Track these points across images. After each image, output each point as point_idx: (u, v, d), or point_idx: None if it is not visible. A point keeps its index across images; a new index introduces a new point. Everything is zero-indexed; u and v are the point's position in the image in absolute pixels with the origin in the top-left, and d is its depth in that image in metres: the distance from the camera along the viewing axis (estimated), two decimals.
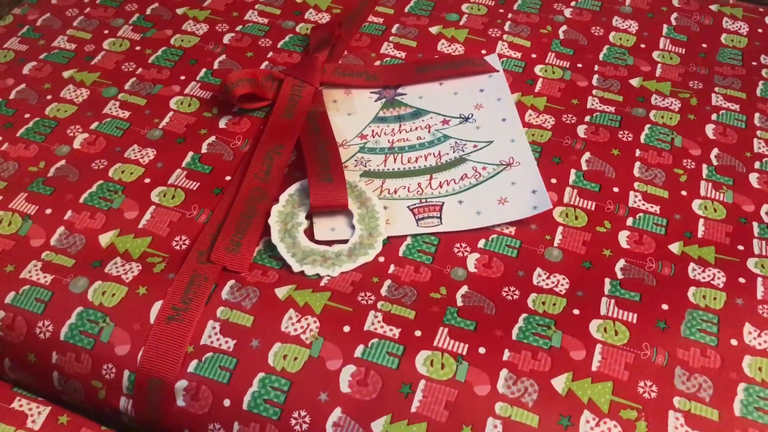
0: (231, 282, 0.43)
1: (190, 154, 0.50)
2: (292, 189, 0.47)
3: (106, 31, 0.59)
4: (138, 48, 0.57)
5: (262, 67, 0.56)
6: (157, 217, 0.46)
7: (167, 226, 0.46)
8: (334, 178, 0.46)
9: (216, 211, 0.46)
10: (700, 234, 0.46)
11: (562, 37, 0.59)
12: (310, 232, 0.45)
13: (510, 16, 0.61)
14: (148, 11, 0.60)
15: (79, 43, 0.58)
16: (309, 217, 0.46)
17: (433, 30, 0.59)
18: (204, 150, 0.50)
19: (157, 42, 0.58)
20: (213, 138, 0.51)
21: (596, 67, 0.57)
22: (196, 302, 0.42)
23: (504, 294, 0.43)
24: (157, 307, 0.41)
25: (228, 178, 0.48)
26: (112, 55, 0.57)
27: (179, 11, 0.60)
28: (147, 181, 0.48)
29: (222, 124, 0.52)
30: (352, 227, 0.45)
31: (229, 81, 0.51)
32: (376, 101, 0.54)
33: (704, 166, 0.50)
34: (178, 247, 0.45)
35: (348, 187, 0.47)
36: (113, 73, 0.55)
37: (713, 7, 0.63)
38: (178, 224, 0.46)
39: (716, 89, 0.55)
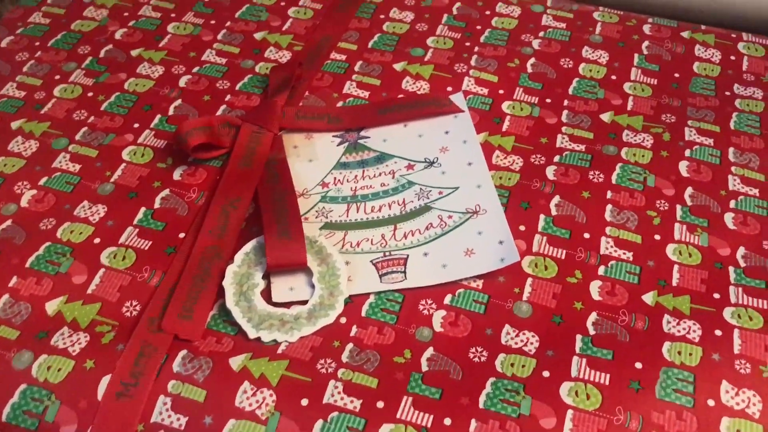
0: (183, 352, 0.40)
1: (143, 210, 0.47)
2: (248, 247, 0.45)
3: (57, 77, 0.56)
4: (90, 94, 0.55)
5: (220, 111, 0.54)
6: (106, 281, 0.44)
7: (117, 291, 0.43)
8: (292, 234, 0.44)
9: (168, 273, 0.44)
10: (674, 282, 0.44)
11: (530, 70, 0.57)
12: (267, 293, 0.43)
13: (476, 49, 0.59)
14: (102, 53, 0.58)
15: (29, 91, 0.55)
16: (266, 276, 0.44)
17: (398, 67, 0.57)
18: (157, 205, 0.48)
19: (110, 87, 0.55)
20: (167, 191, 0.48)
21: (566, 102, 0.55)
22: (146, 376, 0.39)
23: (471, 356, 0.41)
24: (105, 382, 0.39)
25: (182, 235, 0.46)
26: (64, 102, 0.54)
27: (134, 53, 0.58)
28: (97, 241, 0.46)
29: (176, 175, 0.49)
30: (312, 286, 0.43)
31: (183, 131, 0.49)
32: (338, 146, 0.52)
33: (678, 207, 0.48)
34: (128, 314, 0.42)
35: (307, 242, 0.45)
36: (64, 123, 0.53)
37: (685, 34, 0.61)
38: (128, 288, 0.43)
39: (689, 122, 0.54)
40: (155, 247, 0.45)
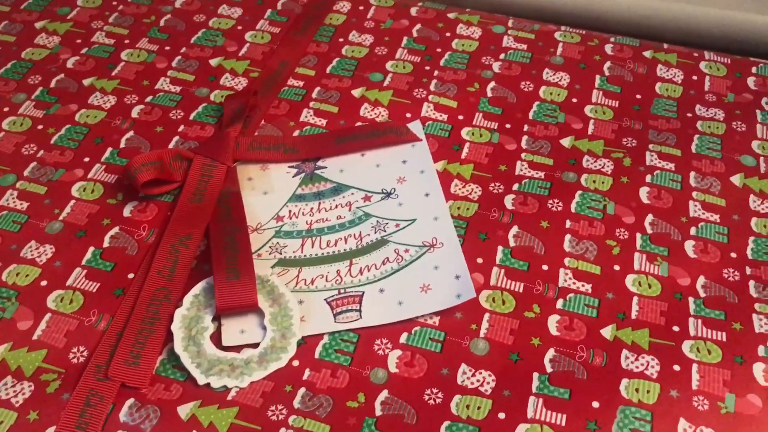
0: (130, 401, 0.39)
1: (91, 249, 0.46)
2: (198, 288, 0.43)
3: (6, 108, 0.55)
4: (40, 127, 0.53)
5: (173, 143, 0.52)
6: (53, 326, 0.43)
7: (64, 336, 0.42)
8: (242, 274, 0.43)
9: (116, 317, 0.43)
10: (633, 314, 0.44)
11: (490, 94, 0.56)
12: (218, 336, 0.42)
13: (436, 73, 0.58)
14: (53, 83, 0.57)
15: None
16: (217, 318, 0.43)
17: (356, 93, 0.56)
18: (106, 244, 0.46)
19: (61, 119, 0.54)
20: (116, 229, 0.47)
21: (526, 127, 0.54)
22: (92, 427, 0.38)
23: (426, 398, 0.40)
24: None
25: (131, 276, 0.45)
26: (12, 136, 0.53)
27: (86, 82, 0.57)
28: (43, 284, 0.44)
29: (126, 212, 0.48)
30: (264, 328, 0.42)
31: (132, 167, 0.48)
32: (294, 176, 0.51)
33: (638, 235, 0.48)
34: (75, 360, 0.41)
35: (259, 282, 0.44)
36: (12, 158, 0.51)
37: (647, 54, 0.60)
38: (75, 333, 0.42)
39: (650, 146, 0.53)
40: (103, 289, 0.44)
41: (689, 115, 0.56)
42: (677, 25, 0.64)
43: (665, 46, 0.61)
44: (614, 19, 0.66)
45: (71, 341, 0.42)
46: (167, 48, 0.60)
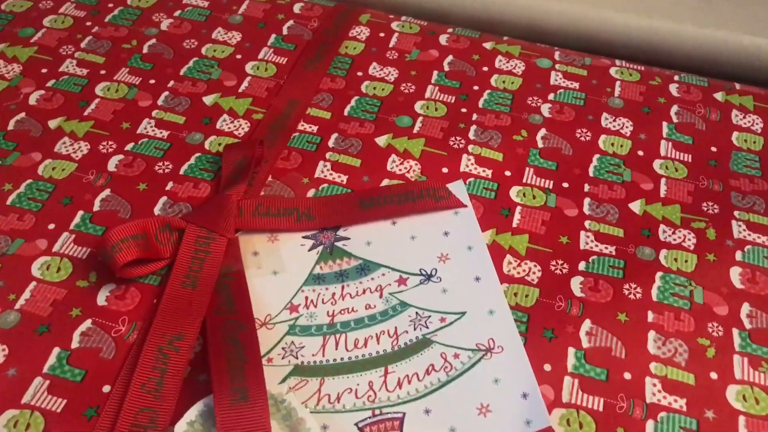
0: None
1: (56, 351, 0.36)
2: (193, 413, 0.34)
3: None
4: None
5: (159, 205, 0.43)
6: None
7: None
8: (251, 394, 0.33)
9: None
10: None
11: (541, 144, 0.47)
12: None
13: (475, 117, 0.49)
14: (11, 125, 0.46)
15: None
16: None
17: (381, 141, 0.47)
18: (75, 344, 0.37)
19: (19, 172, 0.44)
20: (89, 323, 0.37)
21: (587, 187, 0.45)
22: None
23: None
24: None
25: (107, 389, 0.35)
26: None
27: (52, 124, 0.47)
28: None
29: (101, 299, 0.38)
30: None
31: (109, 243, 0.38)
32: (310, 250, 0.41)
33: (735, 331, 0.39)
34: None
35: (272, 404, 0.34)
36: None
37: (718, 96, 0.52)
38: None
39: (736, 213, 0.44)
40: (71, 409, 0.34)
41: None
42: (749, 60, 0.55)
43: (738, 86, 0.53)
44: (675, 51, 0.57)
45: None
46: (152, 81, 0.50)
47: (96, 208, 0.42)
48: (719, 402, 0.36)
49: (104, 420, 0.34)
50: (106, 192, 0.43)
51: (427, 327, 0.38)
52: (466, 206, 0.43)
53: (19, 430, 0.34)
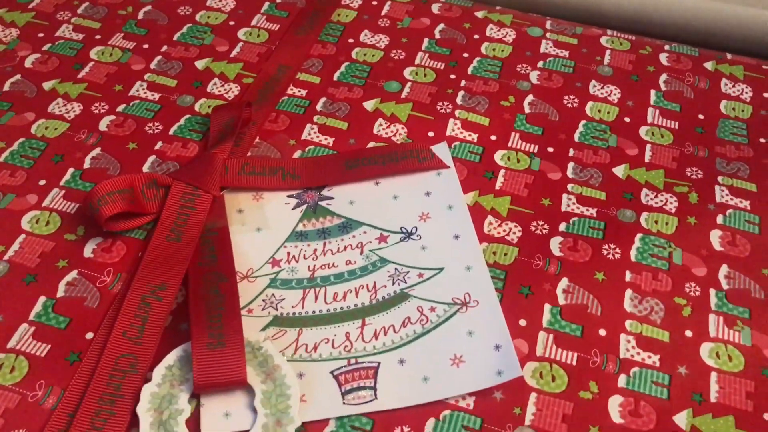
0: None
1: (42, 299, 0.37)
2: (172, 357, 0.35)
3: None
4: None
5: (147, 164, 0.43)
6: None
7: (1, 416, 0.33)
8: (228, 341, 0.34)
9: (69, 391, 0.34)
10: (713, 397, 0.35)
11: (528, 110, 0.48)
12: (195, 422, 0.33)
13: (463, 83, 0.49)
14: (7, 86, 0.47)
15: None
16: (195, 397, 0.34)
17: (369, 105, 0.47)
18: (61, 293, 0.37)
19: (13, 131, 0.45)
20: (74, 273, 0.38)
21: (571, 151, 0.45)
22: None
23: None
24: None
25: (90, 336, 0.36)
26: None
27: (47, 85, 0.48)
28: None
29: (88, 251, 0.39)
30: (254, 411, 0.33)
31: (95, 196, 0.39)
32: (294, 209, 0.42)
33: (712, 292, 0.39)
34: None
35: (249, 350, 0.35)
36: None
37: (708, 65, 0.52)
38: (16, 412, 0.33)
39: (720, 179, 0.45)
40: (54, 354, 0.35)
41: (762, 140, 0.47)
42: (741, 31, 0.55)
43: (729, 56, 0.53)
44: (667, 22, 0.57)
45: (10, 423, 0.33)
46: (145, 46, 0.51)
47: (86, 165, 0.43)
48: (692, 358, 0.37)
49: (86, 364, 0.35)
50: (97, 150, 0.44)
51: (405, 282, 0.38)
52: (448, 167, 0.43)
53: (3, 373, 0.35)
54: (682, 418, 0.34)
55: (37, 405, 0.34)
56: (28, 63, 0.49)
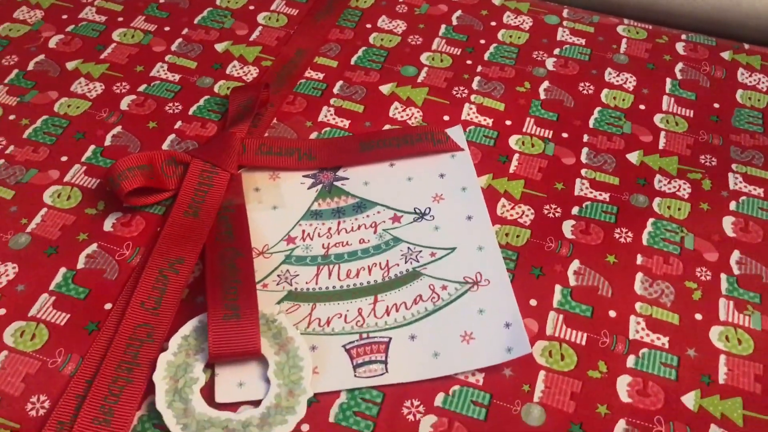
0: None
1: (62, 271, 0.38)
2: (188, 328, 0.35)
3: None
4: (12, 117, 0.45)
5: (167, 142, 0.44)
6: (9, 367, 0.35)
7: (21, 381, 0.34)
8: (243, 313, 0.35)
9: (87, 359, 0.35)
10: (721, 378, 0.35)
11: (543, 96, 0.48)
12: (210, 390, 0.34)
13: (480, 69, 0.49)
14: (31, 66, 0.48)
15: None
16: (210, 367, 0.35)
17: (385, 89, 0.48)
18: (81, 265, 0.38)
19: (36, 108, 0.46)
20: (94, 246, 0.39)
21: (586, 137, 0.46)
22: None
23: None
24: None
25: (108, 306, 0.37)
26: None
27: (70, 65, 0.49)
28: (1, 312, 0.36)
29: (108, 225, 0.40)
30: (267, 381, 0.34)
31: (116, 171, 0.40)
32: (309, 188, 0.42)
33: (723, 276, 0.39)
34: (33, 413, 0.33)
35: (263, 322, 0.36)
36: None
37: (725, 55, 0.52)
38: (36, 378, 0.34)
39: (734, 166, 0.45)
40: (74, 323, 0.36)
41: None
42: (759, 22, 0.55)
43: (746, 46, 0.53)
44: (684, 12, 0.57)
45: (30, 388, 0.34)
46: (166, 29, 0.51)
47: (107, 143, 0.44)
48: (702, 341, 0.37)
49: (104, 333, 0.36)
50: (118, 129, 0.45)
51: (418, 261, 0.39)
52: (462, 150, 0.44)
53: (25, 340, 0.35)
54: (690, 399, 0.35)
55: (56, 371, 0.35)
56: (51, 44, 0.50)
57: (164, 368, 0.34)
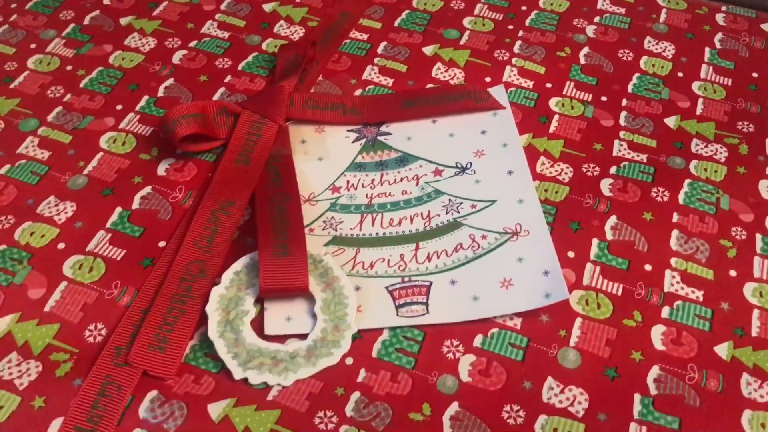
0: (152, 393, 0.33)
1: (118, 210, 0.40)
2: (239, 264, 0.37)
3: (33, 45, 0.49)
4: (69, 68, 0.47)
5: (217, 95, 0.46)
6: (68, 297, 0.36)
7: (80, 310, 0.36)
8: (292, 251, 0.36)
9: (142, 291, 0.36)
10: (754, 332, 0.36)
11: (583, 61, 0.49)
12: (259, 323, 0.36)
13: (521, 34, 0.50)
14: (87, 20, 0.50)
15: None
16: (259, 302, 0.36)
17: (428, 50, 0.49)
18: (136, 205, 0.40)
19: (92, 60, 0.48)
20: (148, 189, 0.41)
21: (624, 102, 0.47)
22: (105, 421, 0.32)
23: (505, 416, 0.33)
24: (55, 427, 0.32)
25: (162, 244, 0.38)
26: (37, 76, 0.47)
27: (123, 21, 0.50)
28: (60, 246, 0.38)
29: (161, 170, 0.42)
30: (314, 317, 0.36)
31: (171, 118, 0.41)
32: (354, 142, 0.44)
33: (758, 236, 0.40)
34: (91, 339, 0.35)
35: (311, 262, 0.37)
36: (36, 100, 0.45)
37: (765, 27, 0.52)
38: (93, 308, 0.36)
39: None
40: (129, 258, 0.38)
41: None
42: None
43: None
44: None
45: (88, 316, 0.36)
46: None
47: (160, 93, 0.46)
48: (735, 296, 0.38)
49: (159, 269, 0.37)
50: (170, 81, 0.46)
51: (458, 212, 0.40)
52: (504, 108, 0.45)
53: (83, 272, 0.37)
54: (722, 349, 0.36)
55: (113, 302, 0.36)
56: (106, 0, 0.52)
57: (216, 300, 0.36)
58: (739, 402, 0.34)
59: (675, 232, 0.40)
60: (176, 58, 0.48)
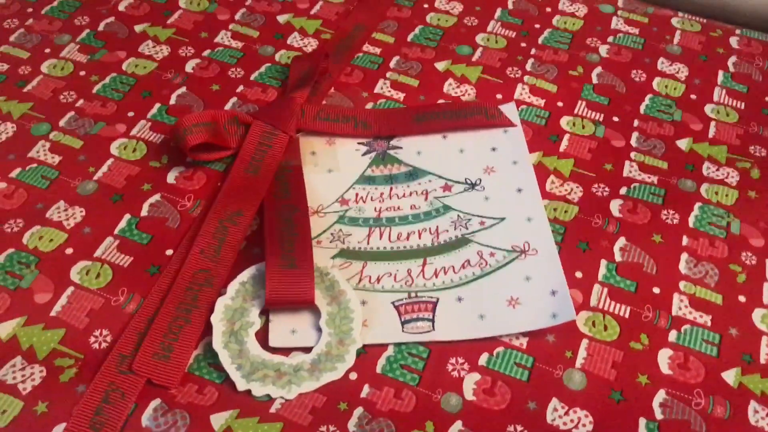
0: (155, 402, 0.33)
1: (127, 217, 0.40)
2: (246, 275, 0.37)
3: (47, 50, 0.49)
4: (82, 73, 0.47)
5: (229, 104, 0.46)
6: (75, 302, 0.36)
7: (86, 316, 0.36)
8: (299, 263, 0.36)
9: (148, 299, 0.36)
10: (762, 358, 0.36)
11: (595, 81, 0.49)
12: (264, 335, 0.35)
13: (533, 51, 0.50)
14: (101, 26, 0.51)
15: (14, 64, 0.48)
16: (264, 313, 0.36)
17: (440, 66, 0.49)
18: (144, 212, 0.40)
19: (106, 67, 0.48)
20: (157, 196, 0.41)
21: (636, 122, 0.46)
22: (108, 429, 0.32)
23: None
24: None
25: (169, 252, 0.38)
26: (51, 81, 0.47)
27: (138, 28, 0.51)
28: (69, 251, 0.38)
29: (171, 178, 0.42)
30: (319, 330, 0.36)
31: (182, 126, 0.41)
32: (364, 155, 0.44)
33: None
34: (96, 345, 0.35)
35: (317, 274, 0.37)
36: (48, 105, 0.45)
37: None
38: (99, 313, 0.36)
39: None
40: (136, 265, 0.38)
41: None
42: None
43: None
44: (739, 8, 0.57)
45: (94, 322, 0.36)
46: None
47: (172, 101, 0.46)
48: (744, 322, 0.37)
49: (165, 276, 0.37)
50: (182, 89, 0.47)
51: (467, 228, 0.40)
52: (515, 125, 0.45)
53: (90, 278, 0.37)
54: (730, 375, 0.35)
55: (119, 308, 0.36)
56: (121, 7, 0.52)
57: (222, 311, 0.35)
58: (747, 430, 0.33)
59: (684, 255, 0.40)
60: (189, 67, 0.48)
